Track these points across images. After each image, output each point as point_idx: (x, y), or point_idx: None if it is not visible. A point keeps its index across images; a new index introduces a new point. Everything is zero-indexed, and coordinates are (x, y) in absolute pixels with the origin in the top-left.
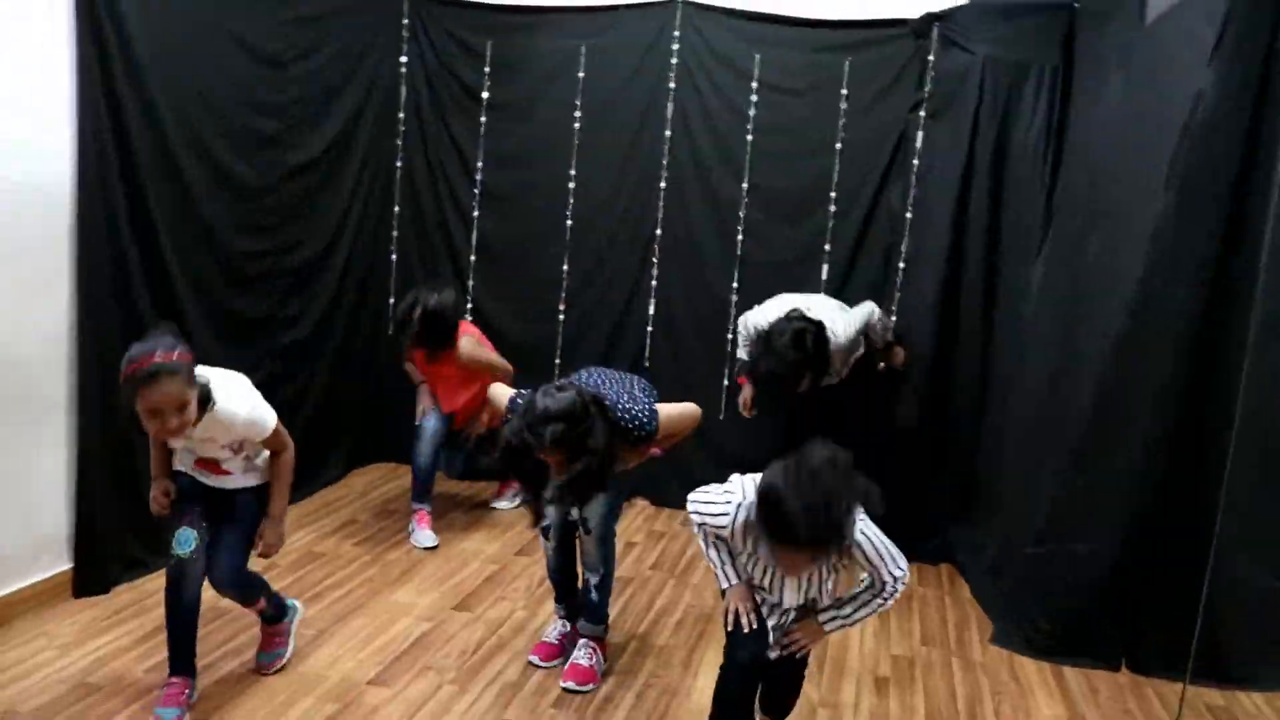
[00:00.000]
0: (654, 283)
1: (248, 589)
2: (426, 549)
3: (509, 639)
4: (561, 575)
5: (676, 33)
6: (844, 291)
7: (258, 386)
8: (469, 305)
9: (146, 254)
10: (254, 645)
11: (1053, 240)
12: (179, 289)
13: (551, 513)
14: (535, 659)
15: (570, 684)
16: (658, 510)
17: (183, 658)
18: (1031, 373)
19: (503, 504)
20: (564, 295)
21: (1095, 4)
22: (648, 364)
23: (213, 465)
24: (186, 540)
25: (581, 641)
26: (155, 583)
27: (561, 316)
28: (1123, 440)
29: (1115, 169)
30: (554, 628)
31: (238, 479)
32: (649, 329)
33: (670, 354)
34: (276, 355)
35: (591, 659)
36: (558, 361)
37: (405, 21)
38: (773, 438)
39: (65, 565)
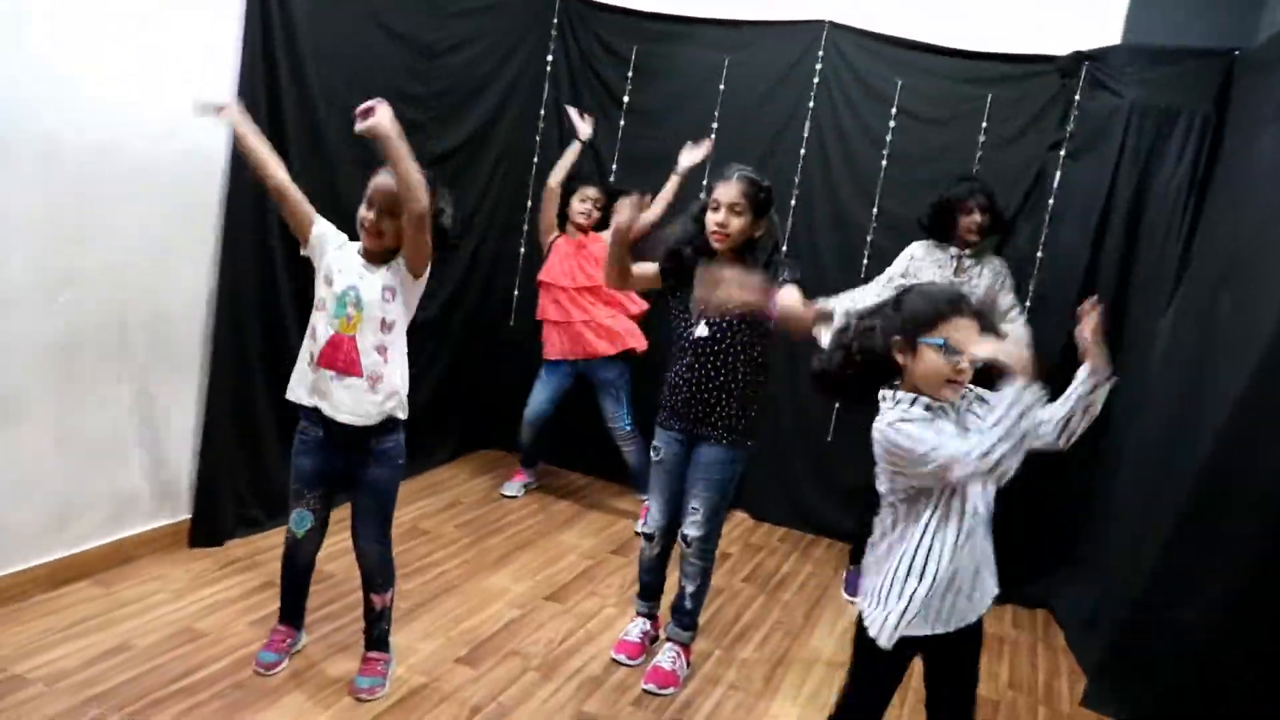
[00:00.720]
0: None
1: (387, 564)
2: (505, 496)
3: (597, 634)
4: (651, 576)
5: (820, 53)
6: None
7: None
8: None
9: (289, 242)
10: (352, 613)
11: (1185, 293)
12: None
13: (654, 518)
14: (621, 657)
15: (651, 686)
16: (757, 524)
17: (291, 611)
18: (1150, 426)
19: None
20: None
21: (1260, 52)
22: (762, 378)
23: (351, 350)
24: (303, 521)
25: (668, 645)
26: (266, 540)
27: None
28: (1234, 508)
29: (1259, 224)
30: (635, 626)
31: (361, 393)
32: None
33: (784, 370)
34: (410, 330)
35: (675, 663)
36: None
37: (555, 20)
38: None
39: (185, 515)
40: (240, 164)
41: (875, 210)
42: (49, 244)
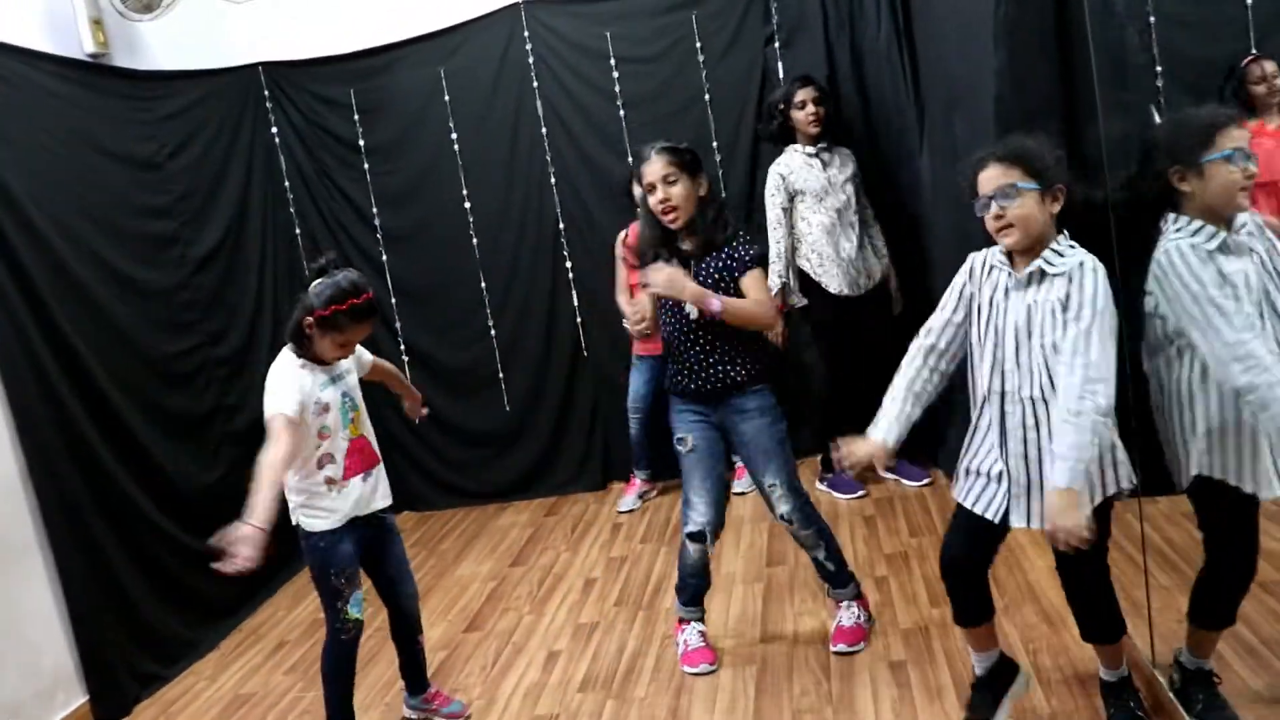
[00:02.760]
0: (571, 275)
1: None
2: (621, 512)
3: (523, 644)
4: (700, 579)
5: (526, 33)
6: (756, 234)
7: (223, 475)
8: (401, 346)
9: (76, 380)
10: None
11: (928, 132)
12: (118, 404)
13: (700, 514)
14: (702, 667)
15: (842, 646)
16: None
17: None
18: (938, 263)
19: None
20: (489, 311)
21: None
22: (586, 352)
23: (367, 445)
24: (360, 601)
25: (844, 604)
26: (174, 690)
27: (493, 331)
28: None
29: (960, 47)
30: (692, 631)
31: (381, 476)
32: (579, 319)
33: (606, 340)
34: (234, 442)
35: (857, 618)
36: (500, 375)
37: (266, 92)
38: None
39: (81, 699)
40: (5, 345)
41: (631, 160)
42: None
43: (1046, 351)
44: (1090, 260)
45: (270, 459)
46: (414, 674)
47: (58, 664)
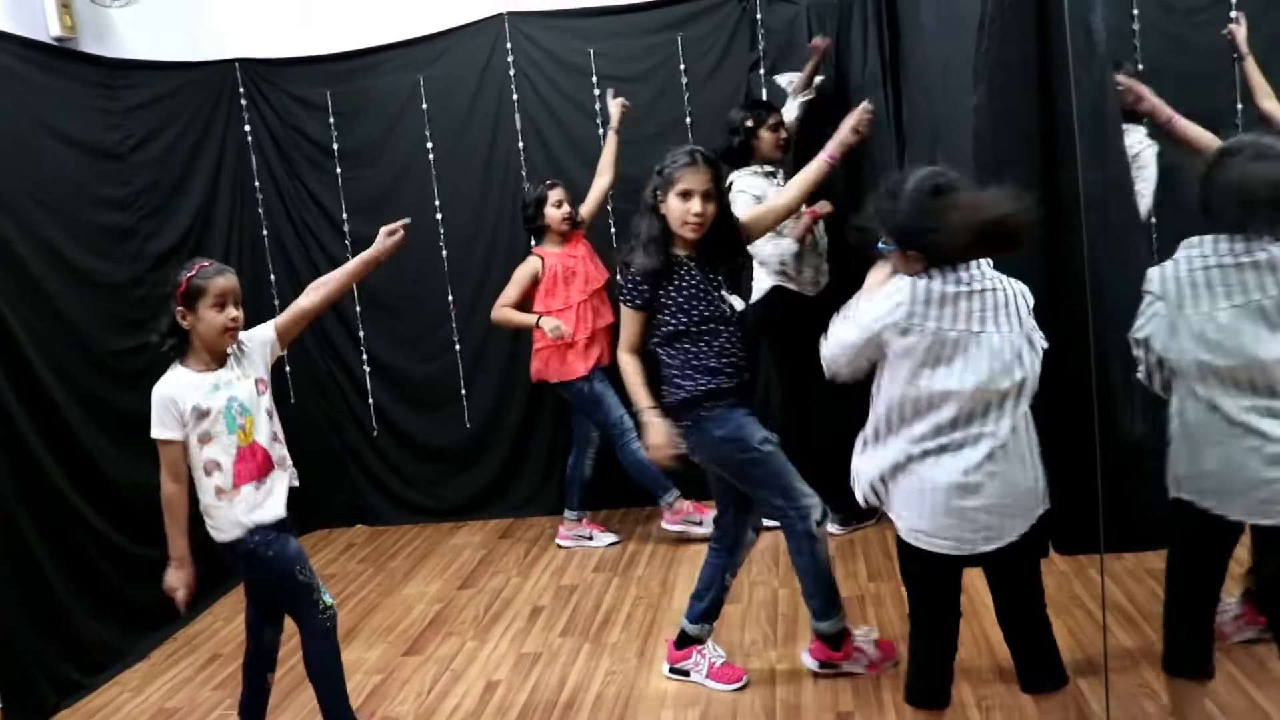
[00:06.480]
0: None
1: None
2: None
3: (462, 670)
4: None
5: (508, 44)
6: None
7: None
8: (363, 355)
9: (14, 369)
10: None
11: (909, 166)
12: (58, 398)
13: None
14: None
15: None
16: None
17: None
18: None
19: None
20: (455, 325)
21: None
22: None
23: (260, 451)
24: (323, 587)
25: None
26: (97, 701)
27: (458, 346)
28: None
29: (943, 84)
30: (866, 634)
31: (282, 481)
32: None
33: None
34: None
35: None
36: (463, 391)
37: (241, 89)
38: None
39: None
40: None
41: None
42: None
43: None
44: None
45: (164, 493)
46: (254, 711)
47: None
